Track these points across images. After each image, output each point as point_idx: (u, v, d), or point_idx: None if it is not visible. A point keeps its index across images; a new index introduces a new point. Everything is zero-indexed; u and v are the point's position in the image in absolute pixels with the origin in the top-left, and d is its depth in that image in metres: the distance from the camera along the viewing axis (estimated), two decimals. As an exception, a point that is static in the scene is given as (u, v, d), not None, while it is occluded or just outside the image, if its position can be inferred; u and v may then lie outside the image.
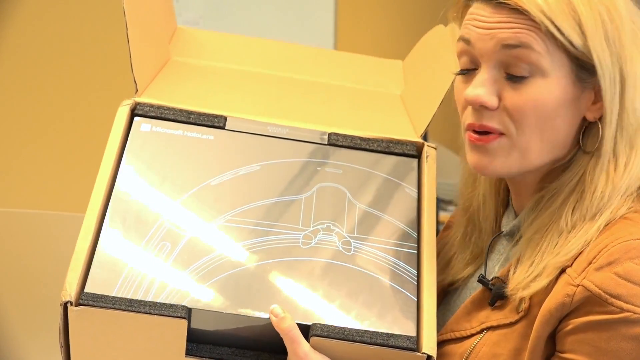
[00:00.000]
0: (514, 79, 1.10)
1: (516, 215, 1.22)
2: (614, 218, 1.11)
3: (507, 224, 1.23)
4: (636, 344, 1.05)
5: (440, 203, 3.25)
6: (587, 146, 1.13)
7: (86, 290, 1.10)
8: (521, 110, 1.10)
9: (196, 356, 1.13)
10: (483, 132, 1.13)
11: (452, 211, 1.48)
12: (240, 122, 1.26)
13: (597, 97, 1.12)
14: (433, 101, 1.30)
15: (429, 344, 1.12)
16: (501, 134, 1.12)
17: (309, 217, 1.20)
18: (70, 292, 1.09)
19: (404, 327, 1.13)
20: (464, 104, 1.15)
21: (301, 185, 1.22)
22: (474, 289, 1.22)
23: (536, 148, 1.12)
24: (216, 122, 1.25)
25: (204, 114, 1.26)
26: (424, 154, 1.27)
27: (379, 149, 1.27)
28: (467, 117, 1.14)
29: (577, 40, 1.08)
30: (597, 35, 1.09)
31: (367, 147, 1.27)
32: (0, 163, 2.82)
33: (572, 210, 1.12)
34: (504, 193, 1.27)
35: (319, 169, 1.24)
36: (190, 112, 1.25)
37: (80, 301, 1.09)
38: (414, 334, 1.13)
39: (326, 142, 1.27)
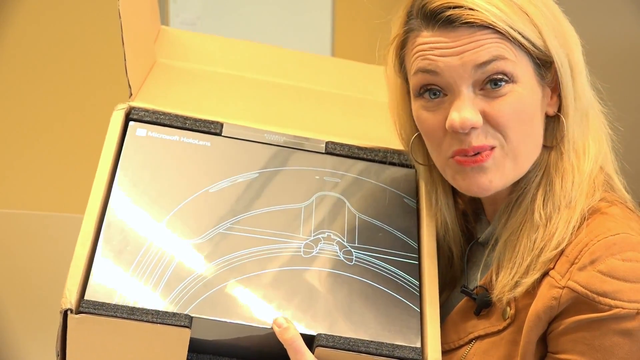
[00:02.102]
0: (492, 92, 1.10)
1: (489, 223, 1.21)
2: (591, 206, 1.11)
3: (480, 232, 1.23)
4: (628, 338, 1.05)
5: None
6: (547, 140, 1.15)
7: (86, 297, 1.07)
8: (504, 119, 1.10)
9: None
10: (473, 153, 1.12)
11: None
12: (237, 129, 1.24)
13: (554, 91, 1.14)
14: None
15: (433, 355, 1.10)
16: (492, 148, 1.11)
17: (310, 226, 1.18)
18: (70, 299, 1.06)
19: (409, 338, 1.11)
20: (440, 130, 1.13)
21: (300, 193, 1.20)
22: (458, 300, 1.20)
23: (524, 153, 1.12)
24: (212, 129, 1.23)
25: (200, 120, 1.23)
26: None
27: (377, 158, 1.25)
28: (452, 145, 1.12)
29: (537, 41, 1.10)
30: (550, 32, 1.11)
31: (365, 156, 1.25)
32: (0, 163, 2.82)
33: (543, 203, 1.12)
34: (463, 207, 1.26)
35: (317, 177, 1.22)
36: (186, 118, 1.22)
37: (81, 309, 1.06)
38: (418, 345, 1.11)
39: (324, 151, 1.24)
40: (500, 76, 1.09)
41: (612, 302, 1.05)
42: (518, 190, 1.15)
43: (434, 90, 1.12)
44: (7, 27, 2.76)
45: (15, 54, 2.81)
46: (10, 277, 2.32)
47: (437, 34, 1.11)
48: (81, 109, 2.87)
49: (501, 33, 1.08)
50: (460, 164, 1.12)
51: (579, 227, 1.10)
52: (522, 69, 1.10)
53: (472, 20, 1.08)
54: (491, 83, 1.10)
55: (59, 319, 1.07)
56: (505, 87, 1.10)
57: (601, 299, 1.05)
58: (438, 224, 1.23)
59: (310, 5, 3.15)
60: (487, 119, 1.10)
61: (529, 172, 1.15)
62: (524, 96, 1.10)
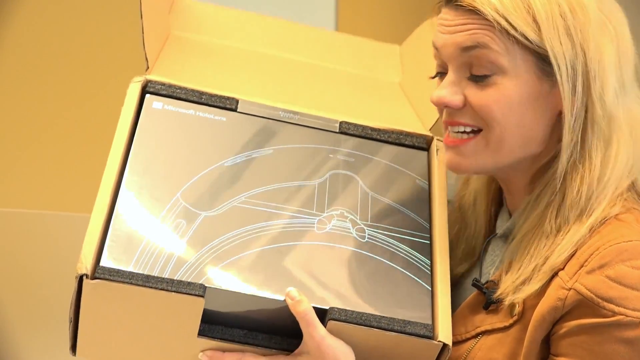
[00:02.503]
0: (477, 78, 1.11)
1: (510, 216, 1.20)
2: (607, 217, 1.09)
3: (501, 226, 1.22)
4: (629, 347, 1.04)
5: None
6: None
7: (102, 264, 1.07)
8: (485, 107, 1.11)
9: (208, 337, 1.11)
10: (460, 132, 1.14)
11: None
12: (252, 106, 1.25)
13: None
14: None
15: (444, 333, 1.11)
16: (478, 130, 1.12)
17: (323, 203, 1.18)
18: (86, 264, 1.06)
19: (420, 316, 1.12)
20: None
21: (314, 171, 1.21)
22: (469, 291, 1.20)
23: (509, 145, 1.12)
24: (228, 104, 1.24)
25: (216, 95, 1.24)
26: (434, 147, 1.27)
27: (390, 139, 1.26)
28: (444, 115, 1.16)
29: (532, 35, 1.08)
30: (553, 28, 1.08)
31: (378, 137, 1.26)
32: (0, 162, 2.81)
33: (556, 213, 1.11)
34: (495, 192, 1.26)
35: (331, 156, 1.23)
36: (202, 93, 1.24)
37: (96, 275, 1.06)
38: (429, 321, 1.11)
39: (337, 130, 1.26)
40: (483, 64, 1.10)
41: (616, 309, 1.04)
42: (537, 188, 1.14)
43: (441, 65, 1.16)
44: (10, 13, 2.76)
45: (19, 42, 2.80)
46: (10, 277, 2.31)
47: (445, 11, 1.14)
48: (84, 108, 2.86)
49: (491, 21, 1.08)
50: (445, 142, 1.16)
51: (590, 234, 1.08)
52: (514, 61, 1.09)
53: (463, 3, 1.10)
54: (476, 70, 1.11)
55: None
56: (490, 77, 1.10)
57: (605, 304, 1.04)
58: (470, 192, 1.26)
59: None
60: (470, 104, 1.12)
61: (548, 168, 1.13)
62: (511, 89, 1.09)
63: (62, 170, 2.82)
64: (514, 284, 1.11)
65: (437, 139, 1.28)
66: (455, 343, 1.15)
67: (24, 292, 2.32)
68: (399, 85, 1.42)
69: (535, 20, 1.08)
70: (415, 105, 1.36)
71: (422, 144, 1.27)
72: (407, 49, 1.48)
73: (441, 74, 1.16)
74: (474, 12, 1.09)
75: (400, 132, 1.27)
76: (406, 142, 1.27)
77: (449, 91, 1.12)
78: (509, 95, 1.10)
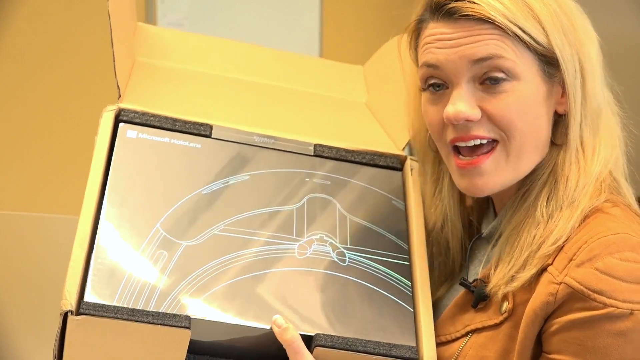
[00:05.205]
0: (491, 88, 1.09)
1: (495, 217, 1.19)
2: (594, 206, 1.09)
3: (486, 227, 1.21)
4: (622, 339, 1.03)
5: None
6: (557, 139, 1.12)
7: (85, 299, 1.04)
8: (505, 115, 1.09)
9: None
10: (472, 152, 1.11)
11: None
12: (227, 131, 1.22)
13: (564, 89, 1.12)
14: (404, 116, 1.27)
15: (429, 353, 1.10)
16: (492, 142, 1.10)
17: (302, 227, 1.17)
18: (70, 300, 1.03)
19: (404, 338, 1.11)
20: (441, 123, 1.12)
21: (291, 195, 1.19)
22: (458, 293, 1.19)
23: (527, 151, 1.11)
24: (202, 131, 1.21)
25: (190, 122, 1.21)
26: (408, 167, 1.25)
27: (364, 161, 1.25)
28: (449, 134, 1.11)
29: (541, 38, 1.08)
30: (556, 29, 1.09)
31: (352, 159, 1.25)
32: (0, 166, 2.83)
33: (547, 201, 1.11)
34: (471, 202, 1.25)
35: (307, 179, 1.21)
36: (175, 120, 1.21)
37: (81, 310, 1.03)
38: (414, 344, 1.11)
39: (312, 153, 1.24)
40: (498, 74, 1.08)
41: (607, 301, 1.03)
42: (525, 186, 1.14)
43: (437, 84, 1.12)
44: (10, 26, 2.77)
45: (5, 59, 2.82)
46: (10, 279, 2.33)
47: (439, 25, 1.10)
48: (74, 110, 2.87)
49: (501, 28, 1.07)
50: (460, 167, 1.12)
51: (579, 226, 1.08)
52: (524, 66, 1.09)
53: (471, 13, 1.07)
54: (490, 79, 1.08)
55: (58, 321, 1.04)
56: (505, 85, 1.08)
57: (596, 296, 1.03)
58: (438, 215, 1.23)
59: (298, 5, 3.15)
60: (488, 115, 1.09)
61: (537, 168, 1.13)
62: (526, 94, 1.09)
63: (60, 173, 2.83)
64: (507, 275, 1.09)
65: (411, 159, 1.27)
66: (444, 343, 1.15)
67: (24, 293, 2.32)
68: (365, 106, 1.41)
69: (540, 23, 1.08)
70: (384, 125, 1.34)
71: (396, 164, 1.26)
72: (370, 69, 1.46)
73: (435, 86, 1.12)
74: (481, 21, 1.07)
75: (374, 153, 1.26)
76: (380, 163, 1.25)
77: (467, 104, 1.09)
78: (524, 101, 1.09)
